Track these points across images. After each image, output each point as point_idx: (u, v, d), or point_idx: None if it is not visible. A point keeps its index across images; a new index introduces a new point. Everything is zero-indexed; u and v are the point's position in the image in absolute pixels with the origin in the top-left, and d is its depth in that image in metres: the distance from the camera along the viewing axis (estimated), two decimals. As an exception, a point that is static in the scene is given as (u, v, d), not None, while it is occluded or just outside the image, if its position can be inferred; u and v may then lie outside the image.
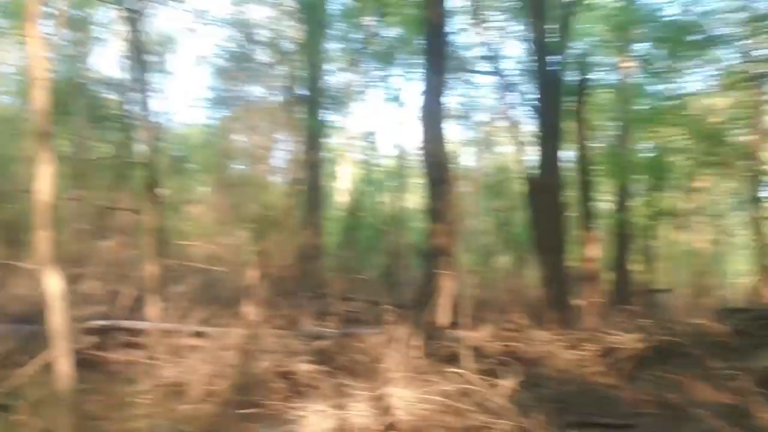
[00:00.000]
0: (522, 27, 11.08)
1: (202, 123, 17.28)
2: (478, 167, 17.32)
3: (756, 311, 6.29)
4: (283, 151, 15.87)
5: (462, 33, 12.16)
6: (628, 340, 5.24)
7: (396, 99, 16.37)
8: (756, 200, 13.81)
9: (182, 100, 26.66)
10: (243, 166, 16.71)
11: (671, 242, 18.60)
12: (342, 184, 21.70)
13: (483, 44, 10.93)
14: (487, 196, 13.46)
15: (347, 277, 11.77)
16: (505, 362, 4.87)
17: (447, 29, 7.46)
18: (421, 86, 7.16)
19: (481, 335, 5.42)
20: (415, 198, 23.42)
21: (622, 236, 13.77)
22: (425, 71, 7.10)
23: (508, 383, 3.95)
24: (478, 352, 4.47)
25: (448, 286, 5.04)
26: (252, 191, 13.05)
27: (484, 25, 11.07)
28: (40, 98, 3.97)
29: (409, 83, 16.46)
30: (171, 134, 14.55)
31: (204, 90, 21.10)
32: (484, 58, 10.97)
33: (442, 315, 5.04)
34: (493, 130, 16.83)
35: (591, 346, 5.41)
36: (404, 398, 3.84)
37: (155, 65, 12.99)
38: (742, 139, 14.21)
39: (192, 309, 5.62)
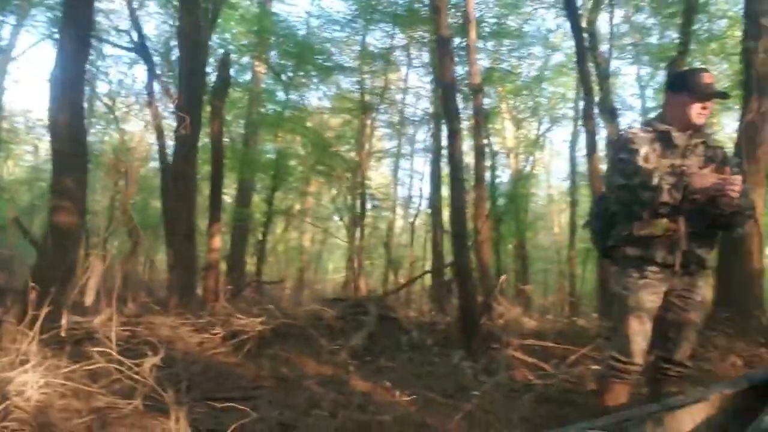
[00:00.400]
0: (171, 10, 10.94)
1: None
2: (111, 145, 16.24)
3: (352, 301, 7.61)
4: None
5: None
6: (249, 324, 5.73)
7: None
8: (354, 208, 16.33)
9: None
10: None
11: (283, 238, 20.49)
12: None
13: (129, 17, 10.39)
14: (117, 176, 12.77)
15: None
16: (135, 345, 4.88)
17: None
18: (55, 48, 6.52)
19: (109, 318, 5.26)
20: (14, 165, 20.45)
21: (242, 229, 14.68)
22: (63, 33, 6.47)
23: (139, 365, 4.00)
24: (109, 335, 4.39)
25: (89, 267, 4.78)
26: None
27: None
28: None
29: (23, 35, 14.45)
30: None
31: None
32: (128, 32, 10.40)
33: (79, 296, 4.76)
34: (130, 108, 16.02)
35: (215, 329, 5.77)
36: (23, 384, 3.57)
37: None
38: (350, 155, 16.68)
39: None
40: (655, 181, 2.75)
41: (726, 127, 17.10)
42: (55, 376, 3.68)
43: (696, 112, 2.88)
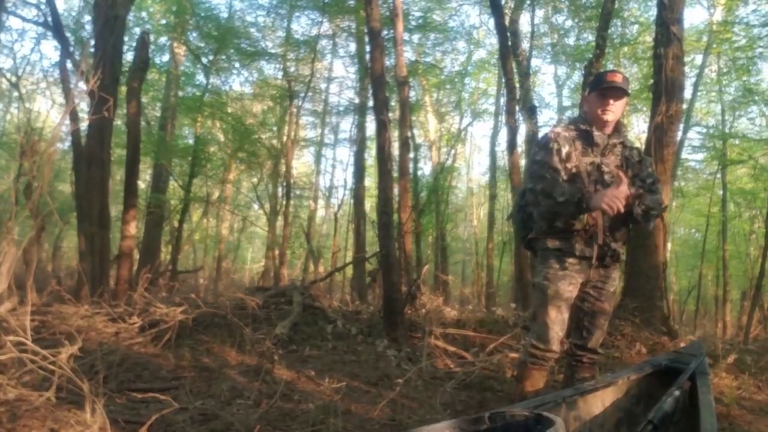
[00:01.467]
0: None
1: None
2: (13, 124, 15.25)
3: (276, 290, 7.53)
4: None
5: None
6: (168, 313, 5.56)
7: None
8: (276, 196, 16.13)
9: None
10: None
11: (200, 226, 19.96)
12: None
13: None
14: (25, 158, 12.03)
15: None
16: (46, 335, 4.64)
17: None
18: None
19: (14, 306, 4.97)
20: None
21: (157, 216, 14.19)
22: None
23: (54, 355, 3.82)
24: (21, 324, 4.15)
25: (4, 253, 4.47)
26: None
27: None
28: None
29: None
30: None
31: None
32: (37, 5, 9.76)
33: None
34: (37, 86, 15.08)
35: (132, 319, 5.56)
36: None
37: None
38: (272, 142, 16.43)
39: None
40: (555, 193, 2.91)
41: (635, 128, 18.15)
42: (-41, 368, 3.46)
43: (601, 107, 3.03)
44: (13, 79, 14.68)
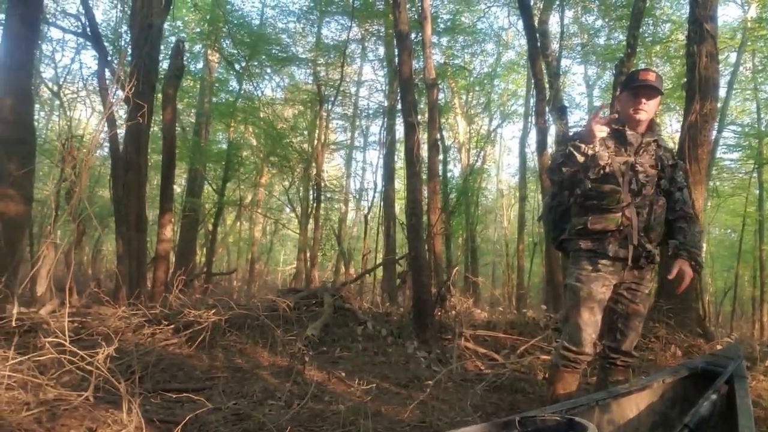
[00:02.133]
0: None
1: None
2: (54, 132, 15.68)
3: (307, 291, 7.61)
4: None
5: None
6: (202, 315, 5.66)
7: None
8: (307, 199, 16.24)
9: None
10: None
11: (234, 230, 20.23)
12: None
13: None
14: (66, 164, 12.37)
15: None
16: (85, 336, 4.76)
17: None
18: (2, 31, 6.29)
19: (54, 309, 5.12)
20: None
21: (192, 220, 14.42)
22: (10, 14, 6.23)
23: (91, 356, 3.92)
24: (60, 326, 4.27)
25: (40, 256, 4.62)
26: None
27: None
28: None
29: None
30: None
31: None
32: (76, 16, 10.02)
33: (33, 286, 4.59)
34: (77, 95, 15.48)
35: (168, 321, 5.68)
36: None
37: None
38: (303, 146, 16.58)
39: None
40: (558, 159, 2.97)
41: (668, 127, 17.82)
42: (2, 368, 3.57)
43: (633, 106, 3.00)
44: (55, 87, 15.14)
